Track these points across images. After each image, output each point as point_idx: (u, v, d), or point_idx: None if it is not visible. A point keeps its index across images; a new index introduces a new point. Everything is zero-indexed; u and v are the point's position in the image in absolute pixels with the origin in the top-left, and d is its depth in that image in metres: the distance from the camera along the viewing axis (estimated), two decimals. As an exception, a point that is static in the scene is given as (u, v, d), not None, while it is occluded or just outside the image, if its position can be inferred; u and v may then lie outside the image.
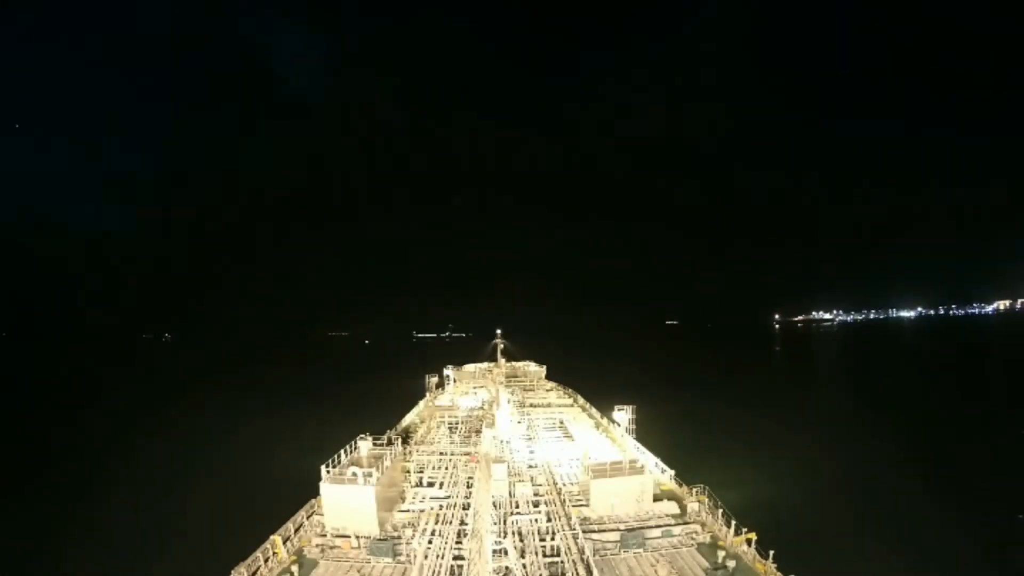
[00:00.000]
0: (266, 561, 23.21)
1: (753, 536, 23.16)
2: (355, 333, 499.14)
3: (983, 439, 67.74)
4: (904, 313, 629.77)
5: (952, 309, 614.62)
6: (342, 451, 30.35)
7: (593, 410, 54.40)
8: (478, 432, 42.70)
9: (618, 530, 25.26)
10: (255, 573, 22.44)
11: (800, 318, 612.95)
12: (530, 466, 36.12)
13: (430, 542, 22.86)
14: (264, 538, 24.10)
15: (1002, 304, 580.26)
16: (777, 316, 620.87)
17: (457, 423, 49.32)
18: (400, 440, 37.24)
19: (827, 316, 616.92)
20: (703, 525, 25.97)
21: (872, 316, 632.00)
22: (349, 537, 25.11)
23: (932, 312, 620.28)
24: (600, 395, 58.64)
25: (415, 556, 21.66)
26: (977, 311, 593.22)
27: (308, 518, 27.45)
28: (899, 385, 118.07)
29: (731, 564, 22.00)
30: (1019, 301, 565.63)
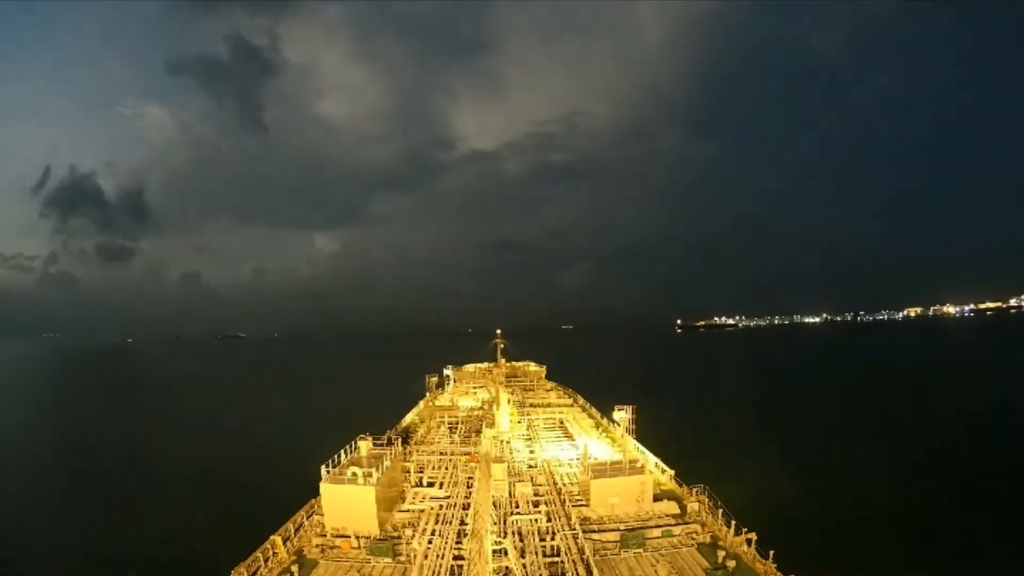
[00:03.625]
0: (266, 561, 23.18)
1: (753, 536, 23.12)
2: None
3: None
4: (809, 319, 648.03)
5: (861, 316, 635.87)
6: (342, 451, 30.35)
7: (593, 410, 54.35)
8: (478, 432, 42.71)
9: (618, 530, 25.21)
10: (255, 573, 22.40)
11: (702, 323, 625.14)
12: (530, 466, 36.12)
13: (430, 542, 22.84)
14: (264, 538, 24.07)
15: (913, 311, 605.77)
16: (679, 321, 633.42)
17: (457, 423, 49.29)
18: (400, 440, 37.21)
19: (730, 321, 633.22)
20: (703, 525, 25.92)
21: (776, 321, 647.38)
22: (349, 537, 25.07)
23: (838, 318, 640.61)
24: (600, 395, 58.62)
25: (415, 556, 21.64)
26: (886, 317, 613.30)
27: (308, 518, 27.40)
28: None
29: (731, 564, 21.97)
30: (931, 309, 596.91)
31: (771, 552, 21.67)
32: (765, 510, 28.86)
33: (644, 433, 37.71)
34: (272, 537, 24.27)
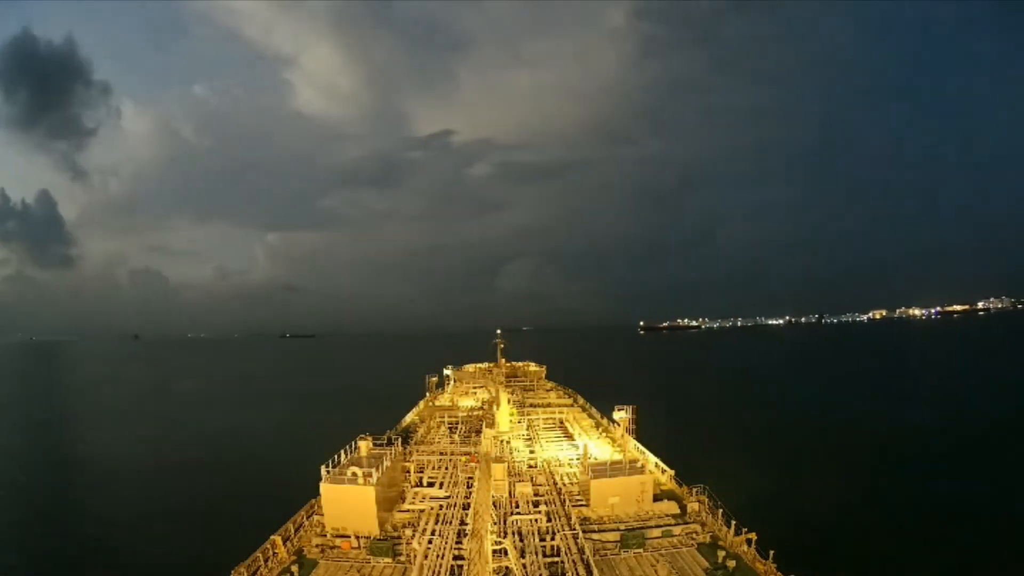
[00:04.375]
0: (266, 561, 23.15)
1: (753, 536, 23.09)
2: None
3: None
4: (772, 321, 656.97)
5: (825, 318, 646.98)
6: (342, 451, 30.33)
7: (593, 410, 54.35)
8: (478, 432, 42.69)
9: (618, 530, 25.18)
10: (255, 573, 22.38)
11: (665, 324, 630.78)
12: (530, 466, 36.09)
13: (430, 542, 22.80)
14: (264, 538, 24.05)
15: (878, 313, 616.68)
16: (642, 323, 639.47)
17: (457, 423, 49.28)
18: (400, 440, 37.18)
19: (694, 323, 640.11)
20: (703, 525, 25.89)
21: (740, 323, 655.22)
22: (349, 537, 25.03)
23: (802, 320, 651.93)
24: (600, 395, 58.65)
25: (415, 556, 21.60)
26: (850, 320, 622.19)
27: (308, 518, 27.36)
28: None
29: (731, 564, 21.95)
30: (896, 311, 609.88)
31: (771, 552, 21.66)
32: (765, 510, 28.89)
33: (644, 433, 37.72)
34: (272, 537, 24.23)
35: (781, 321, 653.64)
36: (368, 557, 23.83)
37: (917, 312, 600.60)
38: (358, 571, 22.90)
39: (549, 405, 57.37)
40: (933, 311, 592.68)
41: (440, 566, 20.90)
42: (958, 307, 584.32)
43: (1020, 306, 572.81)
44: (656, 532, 25.18)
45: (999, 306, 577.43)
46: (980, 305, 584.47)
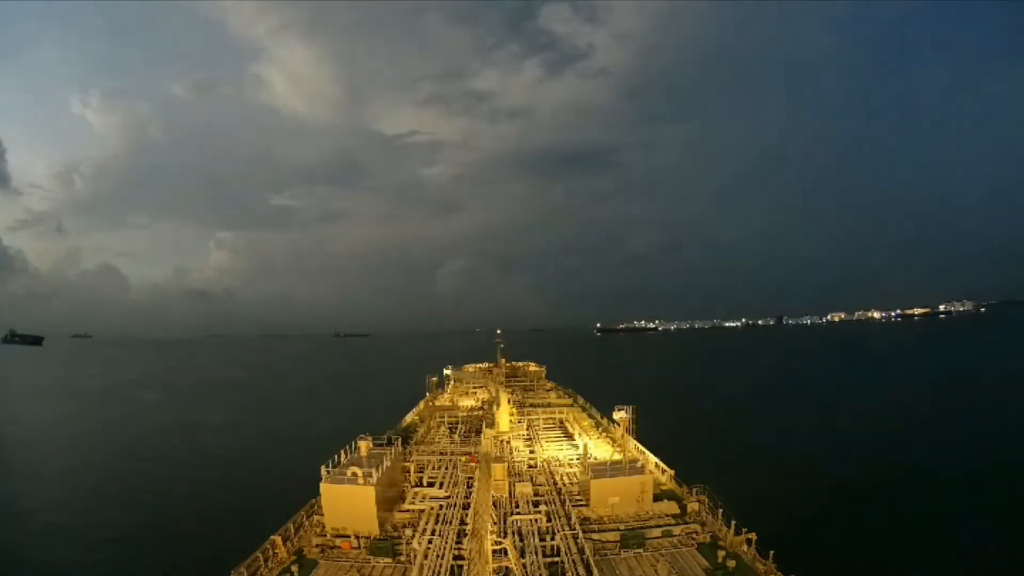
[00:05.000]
0: (266, 561, 23.16)
1: (753, 536, 23.09)
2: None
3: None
4: (729, 323, 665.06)
5: (784, 320, 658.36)
6: (342, 451, 30.34)
7: (593, 410, 54.36)
8: (478, 432, 42.70)
9: (618, 530, 25.19)
10: (255, 573, 22.39)
11: (622, 326, 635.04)
12: (530, 466, 36.10)
13: (430, 542, 22.80)
14: (264, 538, 24.05)
15: (837, 316, 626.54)
16: (599, 324, 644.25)
17: (457, 423, 49.31)
18: (400, 440, 37.19)
19: (651, 324, 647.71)
20: (703, 525, 25.89)
21: (697, 325, 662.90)
22: (349, 537, 25.04)
23: (760, 322, 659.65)
24: (599, 395, 58.68)
25: (415, 556, 21.59)
26: (809, 322, 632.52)
27: (308, 518, 27.36)
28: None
29: (731, 564, 21.95)
30: (856, 313, 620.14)
31: (771, 552, 21.66)
32: (765, 510, 28.87)
33: (644, 433, 37.72)
34: (272, 537, 24.24)
35: (739, 323, 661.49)
36: (368, 557, 23.83)
37: (877, 315, 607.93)
38: (358, 571, 22.90)
39: (549, 405, 57.37)
40: (893, 314, 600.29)
41: (440, 566, 20.89)
42: (919, 310, 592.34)
43: (983, 309, 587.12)
44: (656, 532, 25.19)
45: (961, 309, 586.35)
46: (942, 308, 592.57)
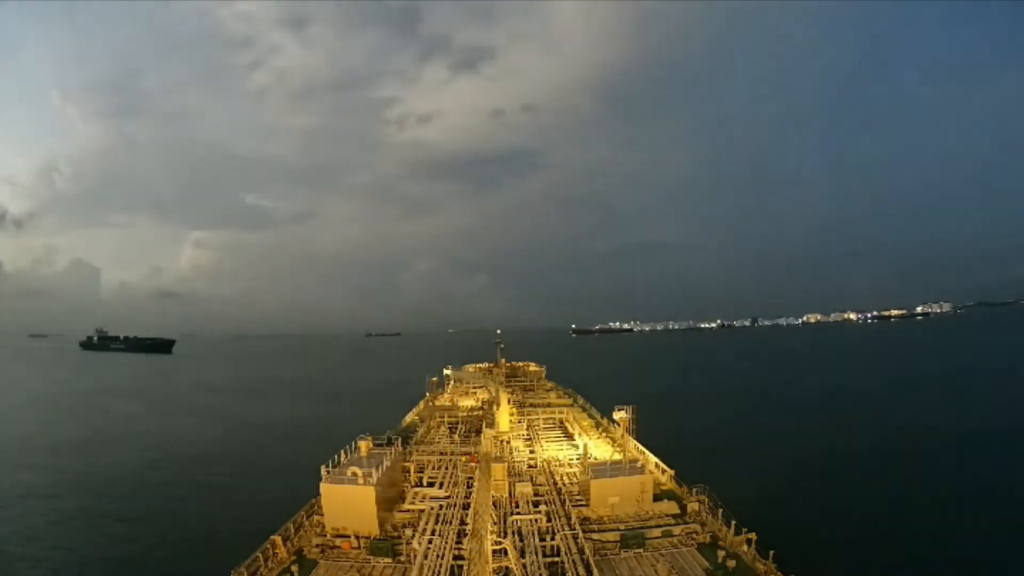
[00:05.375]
0: (266, 561, 23.16)
1: (753, 536, 23.10)
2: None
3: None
4: (704, 324, 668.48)
5: (759, 321, 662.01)
6: (342, 451, 30.35)
7: (593, 410, 54.40)
8: (478, 432, 42.69)
9: (618, 530, 25.21)
10: (255, 573, 22.39)
11: (598, 327, 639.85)
12: (530, 466, 36.11)
13: (430, 542, 22.81)
14: (264, 538, 24.06)
15: (812, 317, 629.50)
16: (574, 325, 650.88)
17: (457, 423, 49.32)
18: (400, 440, 37.21)
19: (626, 326, 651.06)
20: (703, 525, 25.91)
21: (672, 327, 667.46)
22: (349, 537, 25.05)
23: (735, 323, 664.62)
24: (598, 395, 58.73)
25: (415, 556, 21.61)
26: (784, 323, 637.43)
27: (308, 518, 27.38)
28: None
29: (731, 564, 21.96)
30: (832, 315, 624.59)
31: (771, 552, 21.66)
32: (765, 510, 28.91)
33: (644, 433, 37.72)
34: (272, 537, 24.25)
35: (714, 324, 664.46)
36: (368, 557, 23.84)
37: (853, 316, 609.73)
38: (358, 571, 22.91)
39: (549, 405, 57.41)
40: (870, 315, 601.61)
41: (440, 566, 20.90)
42: (896, 312, 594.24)
43: (959, 311, 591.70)
44: (656, 532, 25.20)
45: (939, 311, 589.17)
46: (919, 309, 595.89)
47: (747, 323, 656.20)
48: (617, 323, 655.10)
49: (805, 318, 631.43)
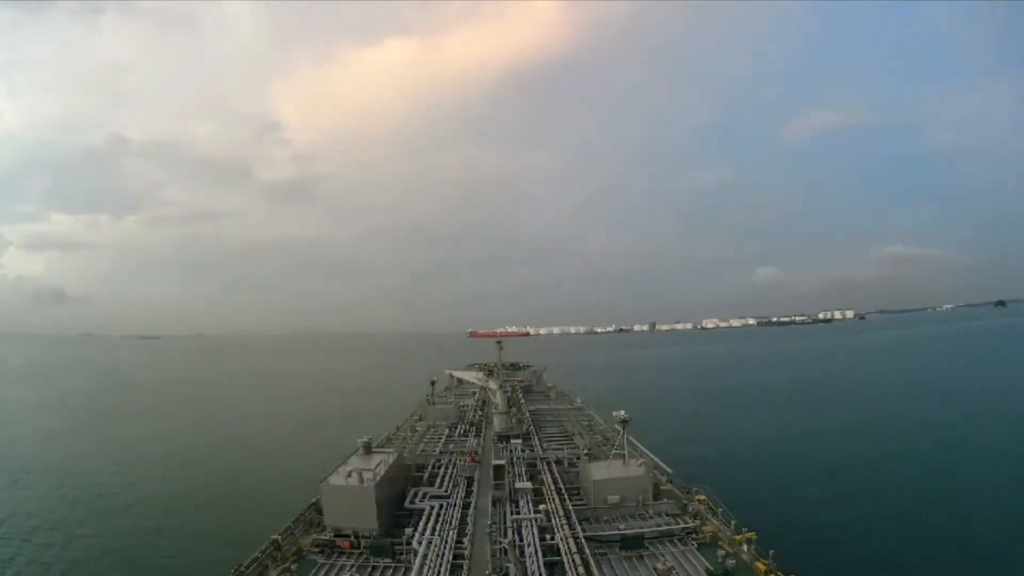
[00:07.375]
0: (266, 561, 23.15)
1: (753, 536, 23.10)
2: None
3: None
4: (600, 329, 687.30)
5: (656, 325, 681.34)
6: (342, 451, 30.34)
7: (592, 410, 54.43)
8: (478, 432, 42.69)
9: (618, 530, 25.23)
10: (255, 573, 22.38)
11: (499, 331, 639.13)
12: (529, 465, 36.11)
13: (430, 542, 22.82)
14: (264, 538, 24.05)
15: (711, 323, 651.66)
16: (470, 330, 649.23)
17: (457, 423, 49.35)
18: (400, 440, 37.22)
19: (524, 329, 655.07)
20: (703, 525, 25.93)
21: (572, 331, 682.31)
22: (349, 537, 25.06)
23: (635, 328, 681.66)
24: (596, 395, 58.77)
25: (415, 556, 21.61)
26: (681, 327, 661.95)
27: (308, 518, 27.40)
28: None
29: (731, 564, 21.95)
30: (730, 320, 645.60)
31: (771, 552, 21.66)
32: (765, 510, 28.92)
33: (644, 433, 37.72)
34: (272, 537, 24.23)
35: (611, 328, 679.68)
36: (368, 557, 23.83)
37: (752, 322, 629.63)
38: (358, 571, 22.91)
39: (549, 405, 57.44)
40: (773, 318, 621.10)
41: (440, 566, 20.90)
42: (799, 317, 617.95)
43: (863, 318, 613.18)
44: (656, 532, 25.20)
45: (845, 317, 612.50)
46: (821, 316, 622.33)
47: (645, 328, 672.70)
48: (512, 327, 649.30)
49: (704, 323, 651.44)
